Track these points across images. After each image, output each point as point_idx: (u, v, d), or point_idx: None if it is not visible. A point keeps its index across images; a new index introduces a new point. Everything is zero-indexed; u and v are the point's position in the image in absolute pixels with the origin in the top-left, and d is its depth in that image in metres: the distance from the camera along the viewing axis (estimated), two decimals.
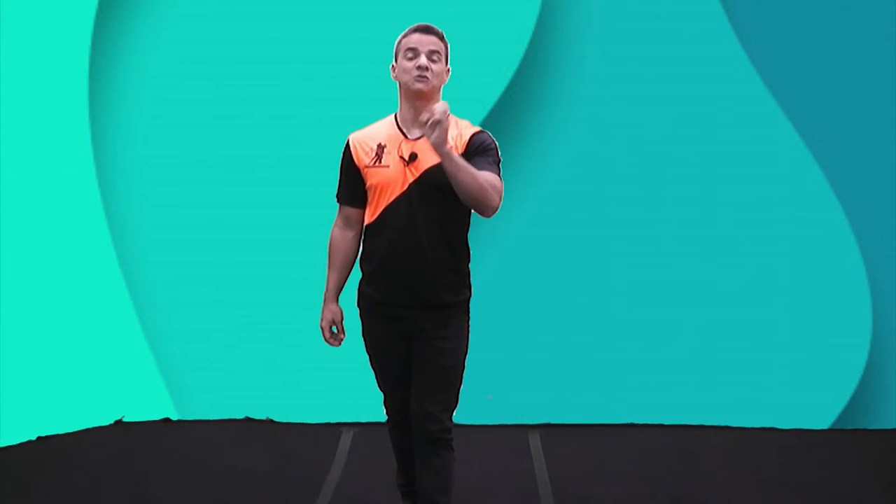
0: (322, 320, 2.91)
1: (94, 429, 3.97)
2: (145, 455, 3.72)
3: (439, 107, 2.55)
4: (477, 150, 2.74)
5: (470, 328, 2.90)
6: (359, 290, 2.89)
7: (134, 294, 4.07)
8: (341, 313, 2.92)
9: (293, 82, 3.98)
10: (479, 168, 2.67)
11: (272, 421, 4.08)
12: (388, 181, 2.74)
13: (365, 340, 2.91)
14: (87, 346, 3.93)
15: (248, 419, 4.09)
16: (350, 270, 2.93)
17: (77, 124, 3.98)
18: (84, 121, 3.99)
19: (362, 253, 2.88)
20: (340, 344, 2.94)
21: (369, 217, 2.81)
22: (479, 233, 4.03)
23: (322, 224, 3.76)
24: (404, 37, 2.77)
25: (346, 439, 3.88)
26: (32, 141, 3.89)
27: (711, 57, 3.98)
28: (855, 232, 4.01)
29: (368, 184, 2.79)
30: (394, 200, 2.74)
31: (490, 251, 4.05)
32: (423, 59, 2.70)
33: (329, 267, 2.92)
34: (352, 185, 2.83)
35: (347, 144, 2.85)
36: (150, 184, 4.03)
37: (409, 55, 2.72)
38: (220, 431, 3.97)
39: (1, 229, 3.86)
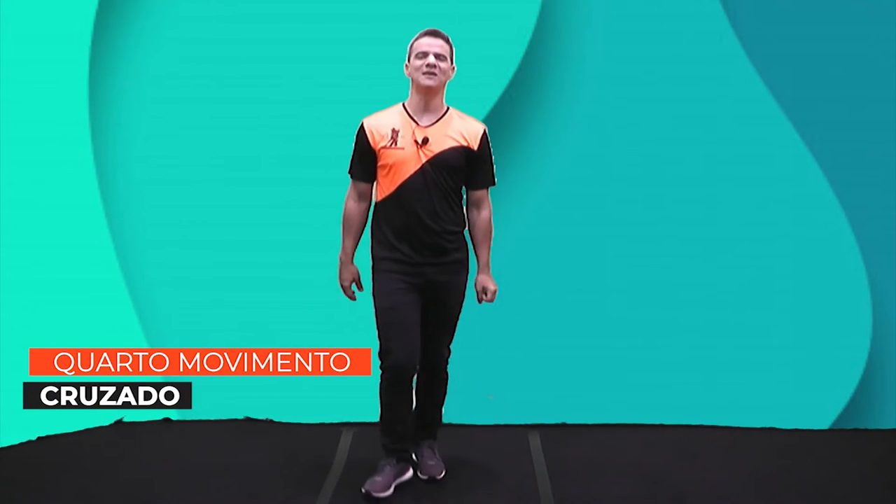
0: (343, 280, 3.39)
1: (94, 429, 3.97)
2: (145, 455, 3.72)
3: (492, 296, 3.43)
4: (484, 153, 3.35)
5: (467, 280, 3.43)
6: (375, 255, 3.34)
7: (134, 294, 4.07)
8: (359, 272, 3.41)
9: (293, 82, 3.98)
10: (485, 181, 3.37)
11: (272, 421, 4.09)
12: (404, 160, 3.24)
13: (380, 297, 3.29)
14: (87, 346, 3.92)
15: (248, 419, 4.09)
16: (361, 236, 3.39)
17: (77, 124, 3.98)
18: (84, 121, 3.99)
19: (380, 222, 3.31)
20: (356, 299, 3.42)
21: (386, 191, 3.27)
22: None
23: (322, 224, 3.78)
24: (416, 40, 3.26)
25: (346, 439, 3.88)
26: (32, 141, 3.88)
27: (711, 57, 3.98)
28: (855, 232, 4.02)
29: (382, 163, 3.26)
30: (410, 176, 3.23)
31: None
32: (431, 59, 3.20)
33: (346, 234, 3.38)
34: (367, 163, 3.30)
35: (363, 127, 3.29)
36: (150, 184, 4.03)
37: (420, 56, 3.21)
38: (220, 431, 3.97)
39: (1, 229, 3.86)
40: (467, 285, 3.42)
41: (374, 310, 3.30)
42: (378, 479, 3.36)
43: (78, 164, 3.99)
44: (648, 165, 4.02)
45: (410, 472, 3.48)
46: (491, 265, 3.43)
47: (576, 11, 3.99)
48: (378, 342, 3.30)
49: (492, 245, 3.42)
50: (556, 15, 4.00)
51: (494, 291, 3.42)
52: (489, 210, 3.40)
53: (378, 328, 3.29)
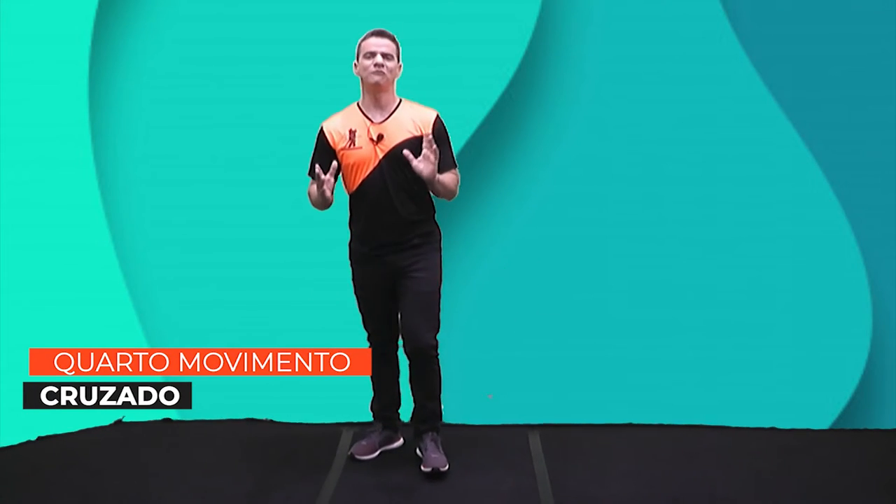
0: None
1: (94, 429, 3.97)
2: (145, 455, 3.73)
3: (428, 168, 3.29)
4: (440, 138, 3.39)
5: (442, 261, 3.53)
6: (350, 247, 3.54)
7: (134, 294, 4.07)
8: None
9: (293, 82, 3.98)
10: (445, 163, 3.39)
11: (272, 421, 4.09)
12: (363, 159, 3.39)
13: (355, 287, 3.56)
14: (87, 346, 3.92)
15: (248, 419, 4.09)
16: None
17: (77, 124, 3.98)
18: (84, 121, 3.99)
19: (350, 217, 3.50)
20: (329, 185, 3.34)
21: (350, 188, 3.45)
22: (480, 233, 4.05)
23: (322, 224, 3.78)
24: (363, 40, 3.39)
25: (346, 439, 3.88)
26: (32, 141, 3.88)
27: (711, 57, 3.98)
28: (855, 232, 4.01)
29: (345, 163, 3.41)
30: (369, 173, 3.38)
31: (490, 251, 4.06)
32: (378, 58, 3.33)
33: (320, 199, 3.38)
34: (326, 165, 3.40)
35: (322, 131, 3.45)
36: (150, 184, 4.03)
37: (368, 56, 3.34)
38: (221, 431, 3.97)
39: (1, 229, 3.86)
40: (441, 273, 3.51)
41: None
42: (364, 442, 3.71)
43: (78, 164, 3.99)
44: (648, 165, 4.02)
45: (399, 443, 3.78)
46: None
47: (576, 11, 3.99)
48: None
49: (448, 193, 3.43)
50: (556, 15, 4.00)
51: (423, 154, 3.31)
52: (456, 177, 3.46)
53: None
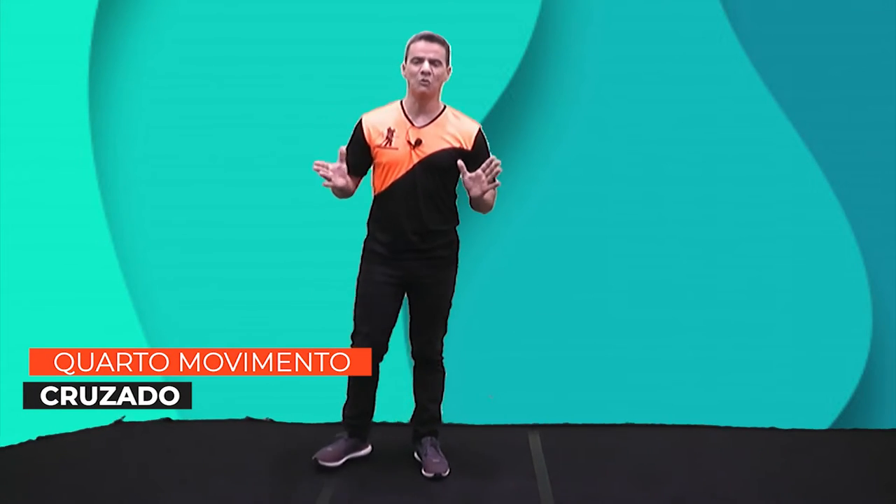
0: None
1: (94, 429, 3.97)
2: (145, 455, 3.72)
3: (476, 190, 3.28)
4: (480, 153, 3.37)
5: (457, 272, 3.51)
6: (365, 246, 3.46)
7: (134, 294, 4.07)
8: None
9: (293, 82, 3.98)
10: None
11: (272, 421, 4.09)
12: (397, 161, 3.33)
13: (360, 284, 3.45)
14: (87, 346, 3.91)
15: (248, 419, 4.09)
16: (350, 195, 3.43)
17: (77, 124, 3.98)
18: (84, 121, 3.98)
19: (372, 216, 3.44)
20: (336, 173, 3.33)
21: (378, 188, 3.38)
22: (480, 233, 4.05)
23: (322, 224, 3.79)
24: (412, 43, 3.30)
25: None
26: (32, 141, 3.88)
27: (711, 57, 3.98)
28: (855, 232, 4.02)
29: (377, 161, 3.36)
30: (401, 176, 3.33)
31: (490, 251, 4.06)
32: (426, 66, 3.25)
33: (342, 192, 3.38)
34: (359, 157, 3.38)
35: (361, 123, 3.38)
36: (150, 184, 4.03)
37: (415, 62, 3.26)
38: (220, 431, 3.97)
39: (1, 229, 3.86)
40: (455, 282, 3.49)
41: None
42: (329, 449, 3.59)
43: (78, 164, 3.99)
44: (648, 165, 4.02)
45: (366, 450, 3.67)
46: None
47: (576, 11, 3.99)
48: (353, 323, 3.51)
49: (489, 212, 3.46)
50: (556, 15, 4.00)
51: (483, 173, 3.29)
52: (495, 192, 3.40)
53: (353, 311, 3.49)
